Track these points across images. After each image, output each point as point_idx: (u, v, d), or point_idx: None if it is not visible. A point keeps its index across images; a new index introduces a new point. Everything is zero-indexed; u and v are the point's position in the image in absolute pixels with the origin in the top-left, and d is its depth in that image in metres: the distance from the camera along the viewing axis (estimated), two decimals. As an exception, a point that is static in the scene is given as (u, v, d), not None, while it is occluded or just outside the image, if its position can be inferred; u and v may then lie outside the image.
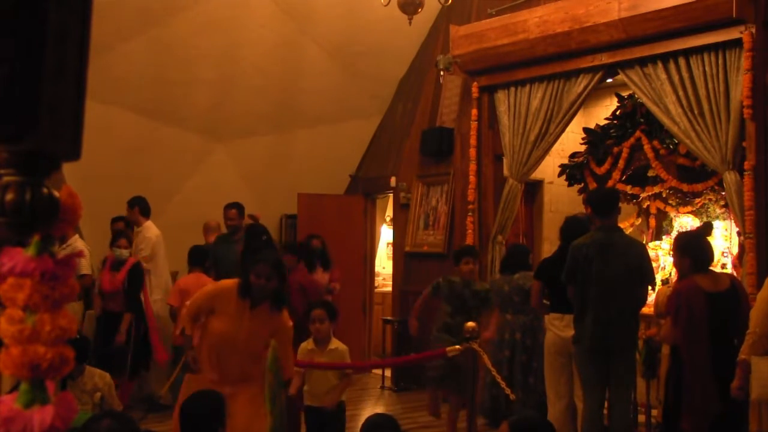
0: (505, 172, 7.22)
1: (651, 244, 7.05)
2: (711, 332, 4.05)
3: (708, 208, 6.77)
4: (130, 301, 6.41)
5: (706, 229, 5.27)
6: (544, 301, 5.35)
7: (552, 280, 5.07)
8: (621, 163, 6.65)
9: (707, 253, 4.34)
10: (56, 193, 1.09)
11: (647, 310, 5.62)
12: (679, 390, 4.13)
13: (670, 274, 6.55)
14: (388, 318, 8.59)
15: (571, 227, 5.31)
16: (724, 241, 6.66)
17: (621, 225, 6.53)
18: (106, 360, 5.33)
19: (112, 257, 6.50)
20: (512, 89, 7.09)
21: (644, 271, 4.70)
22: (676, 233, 6.45)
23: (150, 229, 7.01)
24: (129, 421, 2.66)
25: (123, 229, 7.01)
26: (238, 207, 7.08)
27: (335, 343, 4.50)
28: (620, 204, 5.19)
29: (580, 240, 4.75)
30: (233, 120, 8.31)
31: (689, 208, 6.86)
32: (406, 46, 8.52)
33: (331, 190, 9.29)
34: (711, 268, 4.47)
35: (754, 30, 5.35)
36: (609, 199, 4.96)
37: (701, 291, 4.08)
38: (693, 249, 4.28)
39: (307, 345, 4.57)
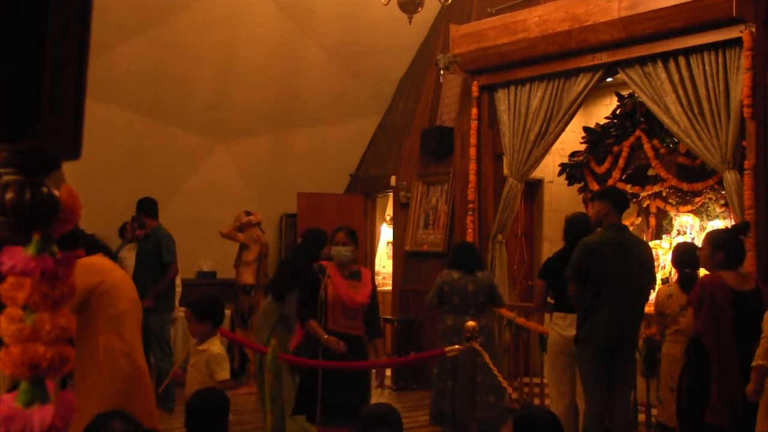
0: (505, 171, 7.22)
1: (651, 243, 7.05)
2: (735, 329, 4.00)
3: (708, 207, 6.76)
4: (376, 322, 4.76)
5: (744, 227, 5.14)
6: (548, 300, 5.36)
7: (556, 280, 5.07)
8: (621, 162, 6.65)
9: (740, 251, 4.29)
10: (56, 193, 1.09)
11: (647, 309, 5.62)
12: (695, 387, 4.08)
13: (670, 273, 6.55)
14: (388, 317, 8.57)
15: (575, 226, 5.28)
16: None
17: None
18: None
19: (331, 264, 4.61)
20: (512, 88, 7.08)
21: (651, 269, 4.78)
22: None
23: None
24: (136, 421, 2.65)
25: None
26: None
27: (207, 344, 4.14)
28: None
29: (592, 238, 4.69)
30: (233, 119, 8.31)
31: (689, 207, 6.86)
32: (406, 45, 8.52)
33: (331, 190, 9.29)
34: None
35: (753, 29, 5.35)
36: (624, 195, 5.07)
37: (727, 286, 4.05)
38: (729, 244, 4.23)
39: (191, 342, 4.38)
